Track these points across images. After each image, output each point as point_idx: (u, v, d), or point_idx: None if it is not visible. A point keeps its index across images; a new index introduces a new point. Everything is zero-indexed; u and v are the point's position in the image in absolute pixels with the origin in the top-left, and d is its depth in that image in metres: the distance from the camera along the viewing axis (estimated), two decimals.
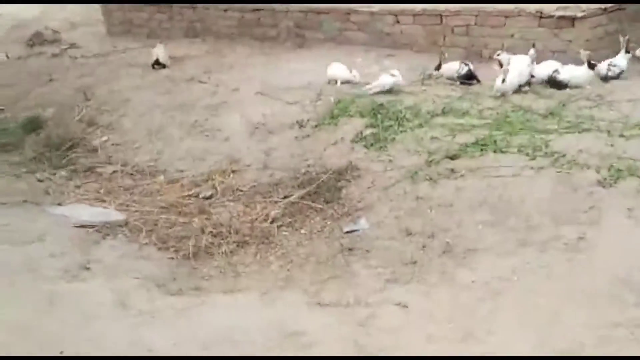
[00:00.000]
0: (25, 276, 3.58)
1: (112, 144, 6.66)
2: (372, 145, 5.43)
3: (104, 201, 5.10)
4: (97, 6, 15.72)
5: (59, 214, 4.62)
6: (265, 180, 5.35)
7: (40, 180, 5.53)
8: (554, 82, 6.26)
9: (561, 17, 7.18)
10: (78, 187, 5.40)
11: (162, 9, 11.04)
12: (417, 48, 8.33)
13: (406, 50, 8.40)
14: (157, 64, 8.84)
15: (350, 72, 7.24)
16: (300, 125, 6.15)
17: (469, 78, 6.69)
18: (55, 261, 3.77)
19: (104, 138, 6.84)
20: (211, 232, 4.31)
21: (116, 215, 4.67)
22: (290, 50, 9.34)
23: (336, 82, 7.28)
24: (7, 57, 10.71)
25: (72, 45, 11.46)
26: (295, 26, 9.52)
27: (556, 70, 6.29)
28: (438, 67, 6.99)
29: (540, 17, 7.34)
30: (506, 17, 7.59)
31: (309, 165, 5.42)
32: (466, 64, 6.78)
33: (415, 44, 8.35)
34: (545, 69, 6.42)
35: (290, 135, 6.05)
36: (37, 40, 11.97)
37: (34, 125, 7.39)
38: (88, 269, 3.70)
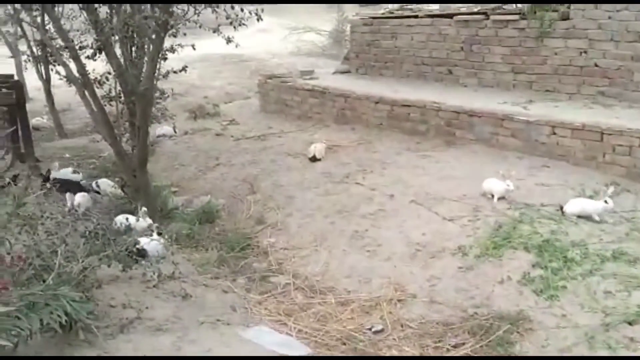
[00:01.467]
0: None
1: (281, 248, 7.13)
2: (541, 292, 5.41)
3: (284, 324, 5.47)
4: (247, 74, 16.93)
5: (250, 340, 5.02)
6: (432, 317, 5.49)
7: (225, 292, 6.04)
8: None
9: None
10: (259, 303, 5.84)
11: (315, 94, 11.67)
12: (574, 161, 8.18)
13: (562, 162, 8.27)
14: (315, 159, 9.35)
15: (505, 182, 7.25)
16: (463, 253, 6.25)
17: None
18: None
19: (272, 239, 7.33)
20: None
21: (300, 348, 5.01)
22: (438, 147, 9.51)
23: (492, 196, 7.34)
24: (175, 131, 11.74)
25: (232, 122, 12.39)
26: (446, 124, 9.70)
27: None
28: None
29: None
30: None
31: (476, 306, 5.49)
32: None
33: (572, 157, 8.20)
34: None
35: (453, 263, 6.16)
36: (200, 113, 13.09)
37: (208, 216, 8.06)
38: None
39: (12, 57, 14.99)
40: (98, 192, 8.67)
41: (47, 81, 12.66)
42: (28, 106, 14.79)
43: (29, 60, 12.06)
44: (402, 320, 5.49)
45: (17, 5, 9.93)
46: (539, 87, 9.88)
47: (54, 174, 8.85)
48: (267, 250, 7.07)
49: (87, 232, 5.89)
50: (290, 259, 6.84)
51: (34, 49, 12.07)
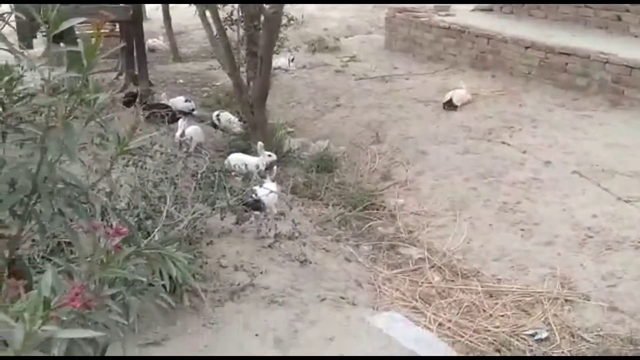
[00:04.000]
0: None
1: (411, 212, 6.04)
2: None
3: (421, 313, 4.45)
4: (369, 6, 15.49)
5: (381, 331, 4.05)
6: (614, 329, 4.24)
7: (347, 260, 5.09)
8: None
9: None
10: (389, 280, 4.84)
11: (451, 33, 10.17)
12: None
13: None
14: (450, 106, 8.08)
15: None
16: None
17: None
18: None
19: (400, 201, 6.25)
20: None
21: (443, 350, 3.99)
22: (601, 107, 7.88)
23: None
24: (291, 60, 10.69)
25: (353, 58, 11.22)
26: (613, 81, 7.99)
27: None
28: None
29: None
30: None
31: None
32: None
33: None
34: None
35: (637, 260, 4.81)
36: (319, 46, 11.98)
37: (326, 164, 7.08)
38: None
39: None
40: (215, 126, 7.89)
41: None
42: (145, 26, 14.37)
43: None
44: (572, 328, 4.28)
45: None
46: None
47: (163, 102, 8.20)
48: (395, 214, 6.01)
49: (200, 174, 5.11)
50: (423, 227, 5.74)
51: None
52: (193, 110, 8.37)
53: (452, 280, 4.93)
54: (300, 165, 7.12)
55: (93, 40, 2.08)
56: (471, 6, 11.53)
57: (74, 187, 2.32)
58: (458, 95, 8.12)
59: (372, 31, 13.53)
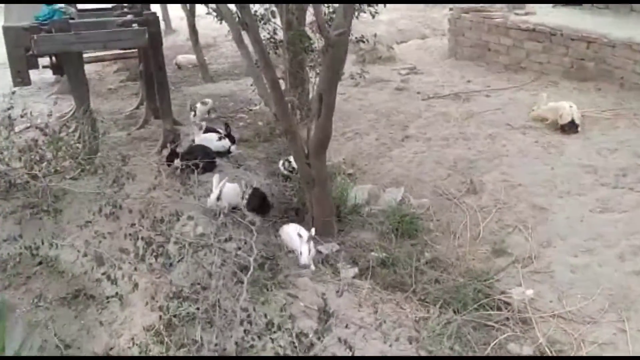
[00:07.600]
0: None
1: (551, 315, 4.03)
2: None
3: None
4: (421, 6, 13.48)
5: None
6: None
7: None
8: None
9: None
10: None
11: (537, 36, 8.06)
12: None
13: None
14: (571, 129, 6.11)
15: None
16: None
17: None
18: None
19: (529, 292, 4.23)
20: None
21: None
22: None
23: None
24: None
25: (412, 70, 9.20)
26: None
27: None
28: None
29: None
30: None
31: None
32: None
33: None
34: None
35: None
36: (370, 57, 9.97)
37: (408, 226, 5.11)
38: None
39: None
40: (287, 178, 5.89)
41: (191, 13, 10.07)
42: (170, 39, 12.58)
43: None
44: None
45: None
46: None
47: (196, 139, 6.36)
48: (527, 317, 4.02)
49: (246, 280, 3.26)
50: (578, 344, 3.73)
51: None
52: (230, 151, 6.46)
53: None
54: (372, 228, 5.16)
55: None
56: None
57: None
58: (578, 112, 6.18)
59: (428, 34, 11.47)
